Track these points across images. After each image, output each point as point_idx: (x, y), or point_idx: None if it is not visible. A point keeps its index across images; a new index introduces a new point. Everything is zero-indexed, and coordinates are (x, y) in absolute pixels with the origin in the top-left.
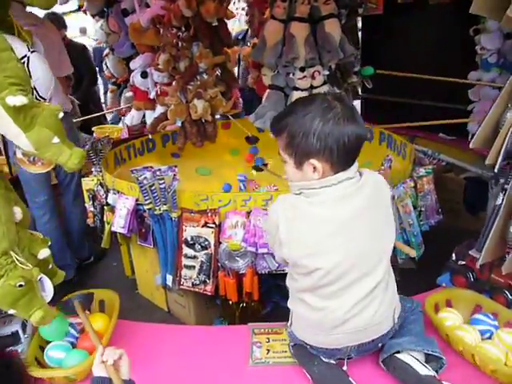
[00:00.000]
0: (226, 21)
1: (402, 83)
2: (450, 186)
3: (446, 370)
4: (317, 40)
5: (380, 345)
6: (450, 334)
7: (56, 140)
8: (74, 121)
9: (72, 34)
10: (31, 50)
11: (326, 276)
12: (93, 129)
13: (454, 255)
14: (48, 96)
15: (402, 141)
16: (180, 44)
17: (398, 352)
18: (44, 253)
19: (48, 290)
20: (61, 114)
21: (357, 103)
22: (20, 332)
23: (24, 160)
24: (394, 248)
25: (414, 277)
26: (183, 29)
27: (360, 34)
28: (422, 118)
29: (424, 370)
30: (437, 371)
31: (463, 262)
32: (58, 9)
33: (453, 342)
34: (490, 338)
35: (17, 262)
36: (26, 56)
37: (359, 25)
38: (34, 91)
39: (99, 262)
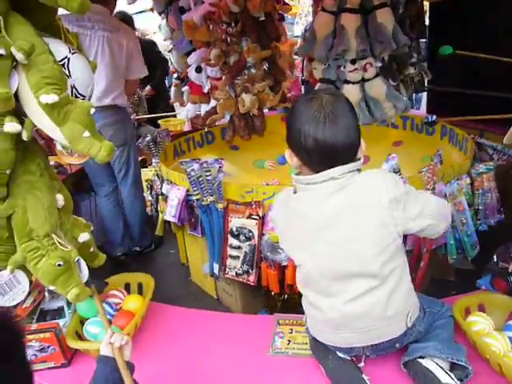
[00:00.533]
0: (275, 15)
1: (471, 73)
2: None
3: (472, 379)
4: (368, 31)
5: (398, 345)
6: (477, 340)
7: (87, 134)
8: (140, 117)
9: (150, 31)
10: (72, 51)
11: (310, 272)
12: (159, 122)
13: (495, 257)
14: (88, 93)
15: (464, 135)
16: (229, 39)
17: (422, 357)
18: (84, 236)
19: (84, 271)
20: (92, 110)
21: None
22: (65, 307)
23: (63, 152)
24: (445, 246)
25: (470, 277)
26: (232, 24)
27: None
28: (492, 110)
29: (446, 379)
30: (462, 379)
31: (505, 265)
32: (136, 8)
33: (480, 349)
34: None
35: (57, 243)
36: (66, 57)
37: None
38: (74, 89)
39: (158, 249)
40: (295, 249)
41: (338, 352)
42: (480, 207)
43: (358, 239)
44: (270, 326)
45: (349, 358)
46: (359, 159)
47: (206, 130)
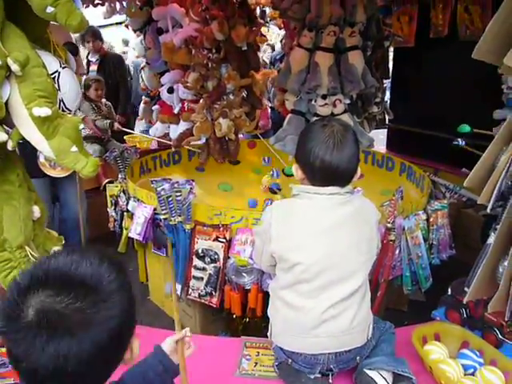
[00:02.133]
0: (255, 46)
1: (429, 115)
2: (468, 222)
3: None
4: (340, 70)
5: (358, 358)
6: (434, 366)
7: (74, 149)
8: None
9: (115, 44)
10: (63, 65)
11: (305, 271)
12: (124, 137)
13: (450, 290)
14: (74, 108)
15: (421, 173)
16: (210, 65)
17: (370, 369)
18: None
19: None
20: (81, 126)
21: (378, 132)
22: None
23: (46, 164)
24: (401, 278)
25: (422, 309)
26: (214, 50)
27: (391, 64)
28: (446, 151)
29: None
30: None
31: (458, 298)
32: (102, 21)
33: (435, 375)
34: (473, 374)
35: (30, 256)
36: (57, 71)
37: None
38: (62, 103)
39: None
40: (292, 248)
41: (306, 373)
42: (434, 242)
43: (354, 247)
44: (236, 348)
45: (319, 376)
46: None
47: (173, 149)
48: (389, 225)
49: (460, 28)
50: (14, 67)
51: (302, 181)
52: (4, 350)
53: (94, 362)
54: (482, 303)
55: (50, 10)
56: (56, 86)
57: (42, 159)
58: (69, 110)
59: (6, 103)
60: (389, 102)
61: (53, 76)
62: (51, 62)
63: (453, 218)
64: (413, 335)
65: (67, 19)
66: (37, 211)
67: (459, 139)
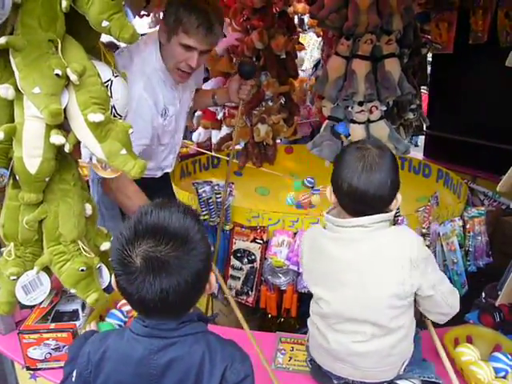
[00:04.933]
0: (293, 54)
1: (468, 122)
2: (507, 230)
3: None
4: (376, 77)
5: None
6: (465, 368)
7: (124, 152)
8: None
9: None
10: (115, 74)
11: (328, 307)
12: None
13: (483, 293)
14: (124, 113)
15: (458, 180)
16: None
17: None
18: (105, 245)
19: (105, 277)
20: (130, 131)
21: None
22: (80, 310)
23: (97, 166)
24: None
25: (457, 315)
26: (254, 59)
27: (430, 71)
28: (485, 158)
29: None
30: None
31: (492, 301)
32: (147, 30)
33: (466, 376)
34: (504, 377)
35: (82, 250)
36: (109, 80)
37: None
38: (113, 109)
39: None
40: (315, 284)
41: (333, 379)
42: (470, 249)
43: (375, 289)
44: (272, 343)
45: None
46: (391, 211)
47: (213, 153)
48: (424, 230)
49: (500, 34)
50: (73, 77)
51: (335, 206)
52: (60, 335)
53: (186, 293)
54: None
55: (105, 23)
56: (108, 93)
57: (94, 161)
58: (120, 115)
59: (64, 109)
60: (427, 108)
61: (106, 84)
62: (104, 71)
63: (491, 225)
64: (445, 337)
65: (120, 32)
66: (89, 209)
67: None
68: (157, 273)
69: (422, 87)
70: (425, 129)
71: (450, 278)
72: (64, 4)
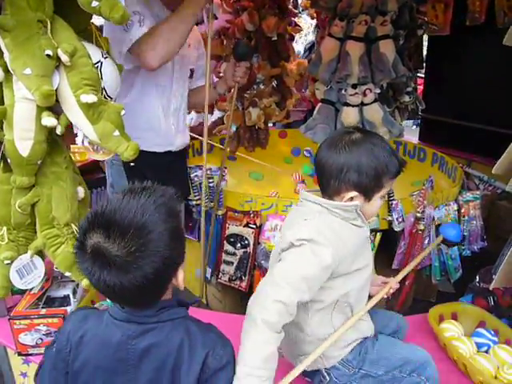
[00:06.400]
0: (287, 35)
1: (464, 105)
2: (502, 213)
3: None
4: (371, 59)
5: None
6: (447, 343)
7: (116, 133)
8: None
9: None
10: (104, 56)
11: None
12: None
13: (477, 277)
14: (115, 95)
15: (453, 164)
16: None
17: None
18: None
19: None
20: (122, 112)
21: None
22: (71, 295)
23: (89, 148)
24: (430, 268)
25: (450, 300)
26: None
27: (425, 52)
28: (481, 142)
29: None
30: None
31: (486, 285)
32: None
33: (449, 352)
34: (487, 351)
35: (76, 232)
36: (99, 61)
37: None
38: (104, 91)
39: None
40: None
41: None
42: (465, 233)
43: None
44: None
45: None
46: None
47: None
48: (418, 214)
49: (498, 15)
50: (64, 58)
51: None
52: (51, 320)
53: (141, 289)
54: (509, 291)
55: (94, 4)
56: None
57: (86, 143)
58: (110, 97)
59: (55, 91)
60: (423, 91)
61: (96, 65)
62: (94, 53)
63: (486, 209)
64: (429, 314)
65: (110, 12)
66: (81, 192)
67: None
68: (102, 268)
69: (417, 70)
70: (420, 113)
71: (444, 263)
72: None
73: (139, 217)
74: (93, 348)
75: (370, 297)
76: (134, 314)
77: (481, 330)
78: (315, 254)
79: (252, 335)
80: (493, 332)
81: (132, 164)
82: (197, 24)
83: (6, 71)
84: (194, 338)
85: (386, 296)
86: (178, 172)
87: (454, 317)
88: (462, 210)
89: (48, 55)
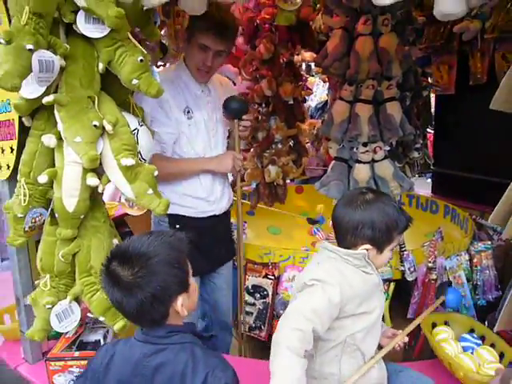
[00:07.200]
0: (300, 98)
1: (473, 159)
2: None
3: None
4: (379, 119)
5: None
6: (437, 345)
7: (150, 191)
8: None
9: None
10: (140, 124)
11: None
12: None
13: (486, 322)
14: (148, 158)
15: (465, 215)
16: (260, 117)
17: None
18: None
19: None
20: (155, 173)
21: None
22: (101, 340)
23: (125, 204)
24: None
25: None
26: (263, 105)
27: (434, 111)
28: (492, 194)
29: None
30: None
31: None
32: None
33: (437, 353)
34: (472, 353)
35: None
36: (136, 129)
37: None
38: (139, 154)
39: None
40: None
41: None
42: (479, 283)
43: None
44: None
45: None
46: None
47: None
48: (430, 264)
49: (499, 75)
50: (108, 127)
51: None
52: (83, 362)
53: (143, 308)
54: None
55: (135, 82)
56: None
57: (123, 200)
58: (144, 159)
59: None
60: (433, 147)
61: (133, 132)
62: (132, 121)
63: (501, 259)
64: (423, 321)
65: (147, 89)
66: (116, 243)
67: None
68: (113, 286)
69: (427, 126)
70: (432, 167)
71: (458, 311)
72: (101, 66)
73: (145, 247)
74: (118, 364)
75: (380, 347)
76: (149, 335)
77: (466, 335)
78: (325, 291)
79: (279, 361)
80: (476, 336)
81: (177, 226)
82: None
83: (59, 138)
84: (198, 360)
85: (398, 348)
86: (222, 233)
87: (446, 324)
88: (474, 260)
89: (95, 125)
